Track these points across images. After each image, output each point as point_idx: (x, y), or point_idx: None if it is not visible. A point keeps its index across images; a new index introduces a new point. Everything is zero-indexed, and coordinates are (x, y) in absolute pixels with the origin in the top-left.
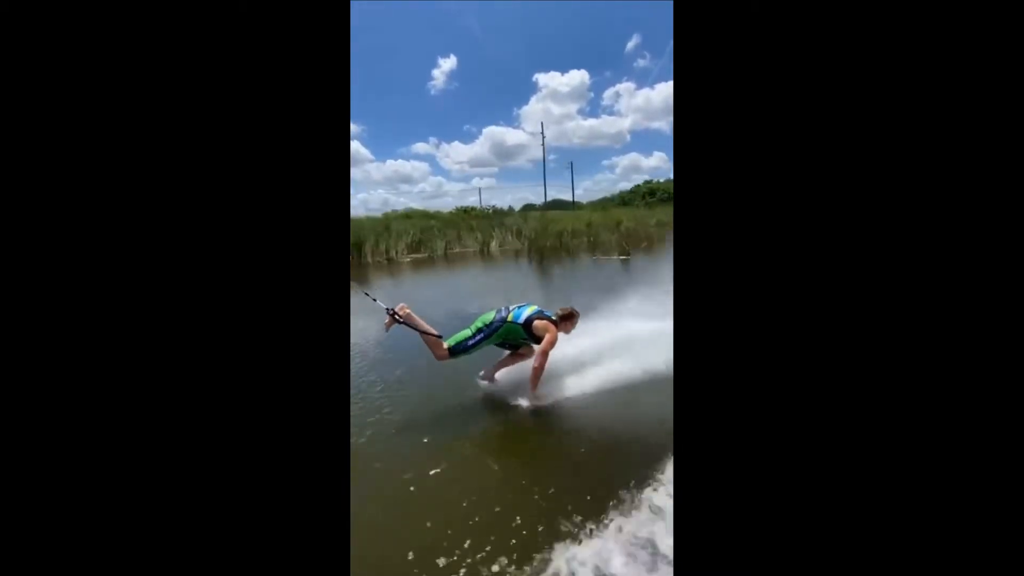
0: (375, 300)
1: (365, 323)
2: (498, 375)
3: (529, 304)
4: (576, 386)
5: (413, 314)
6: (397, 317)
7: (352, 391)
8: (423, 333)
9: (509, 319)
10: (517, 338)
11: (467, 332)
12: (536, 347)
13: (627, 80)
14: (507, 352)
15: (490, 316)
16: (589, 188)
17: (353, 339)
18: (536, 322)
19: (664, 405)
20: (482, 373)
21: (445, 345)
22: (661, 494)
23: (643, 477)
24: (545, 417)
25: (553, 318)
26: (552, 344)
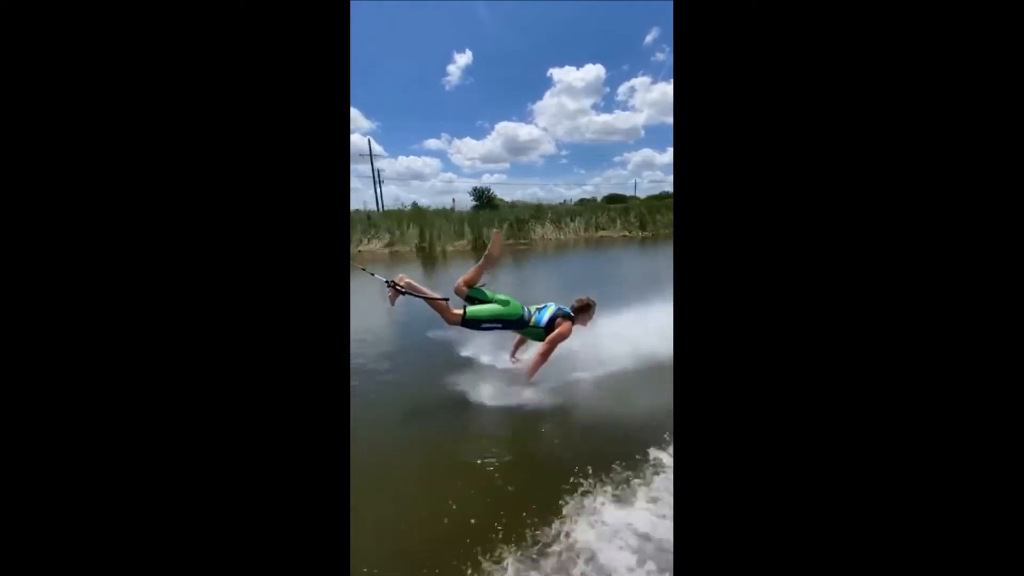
0: (373, 275)
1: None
2: (519, 355)
3: (548, 306)
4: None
5: (413, 282)
6: (399, 288)
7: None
8: (429, 299)
9: (532, 323)
10: (536, 338)
11: (488, 312)
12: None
13: (643, 74)
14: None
15: (516, 311)
16: (600, 184)
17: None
18: (556, 320)
19: (657, 393)
20: (512, 359)
21: (459, 312)
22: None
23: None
24: (540, 406)
25: (571, 313)
26: (563, 337)
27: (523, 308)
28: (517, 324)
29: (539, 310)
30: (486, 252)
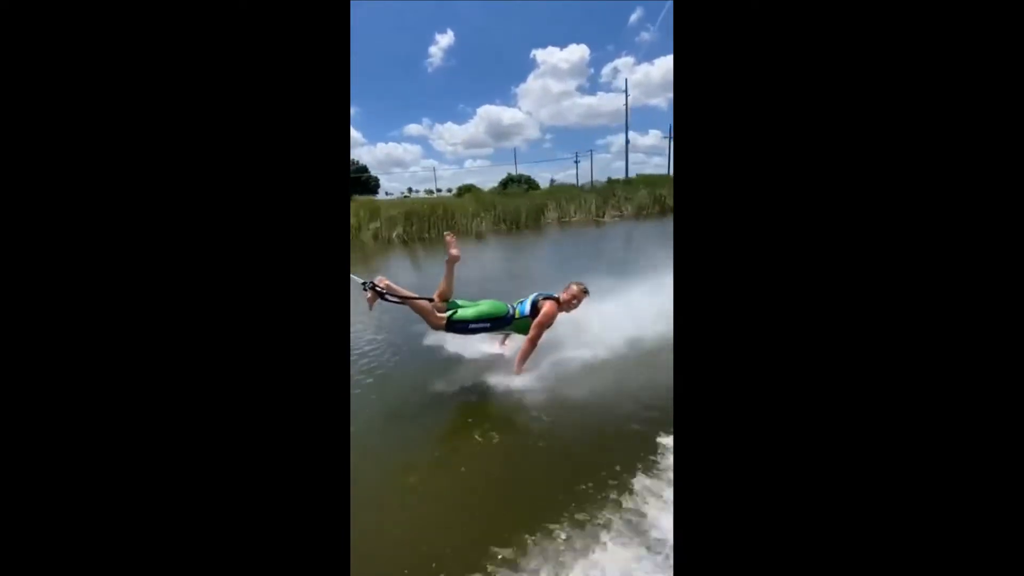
0: (350, 275)
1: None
2: (508, 341)
3: (529, 296)
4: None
5: (393, 284)
6: (379, 290)
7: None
8: (411, 301)
9: (516, 316)
10: (525, 329)
11: (471, 313)
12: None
13: (627, 54)
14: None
15: (501, 309)
16: (584, 168)
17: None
18: (540, 303)
19: (654, 380)
20: (501, 344)
21: (443, 315)
22: (661, 483)
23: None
24: (528, 399)
25: (556, 296)
26: (549, 318)
27: (507, 306)
28: (504, 322)
29: (520, 303)
30: (447, 258)
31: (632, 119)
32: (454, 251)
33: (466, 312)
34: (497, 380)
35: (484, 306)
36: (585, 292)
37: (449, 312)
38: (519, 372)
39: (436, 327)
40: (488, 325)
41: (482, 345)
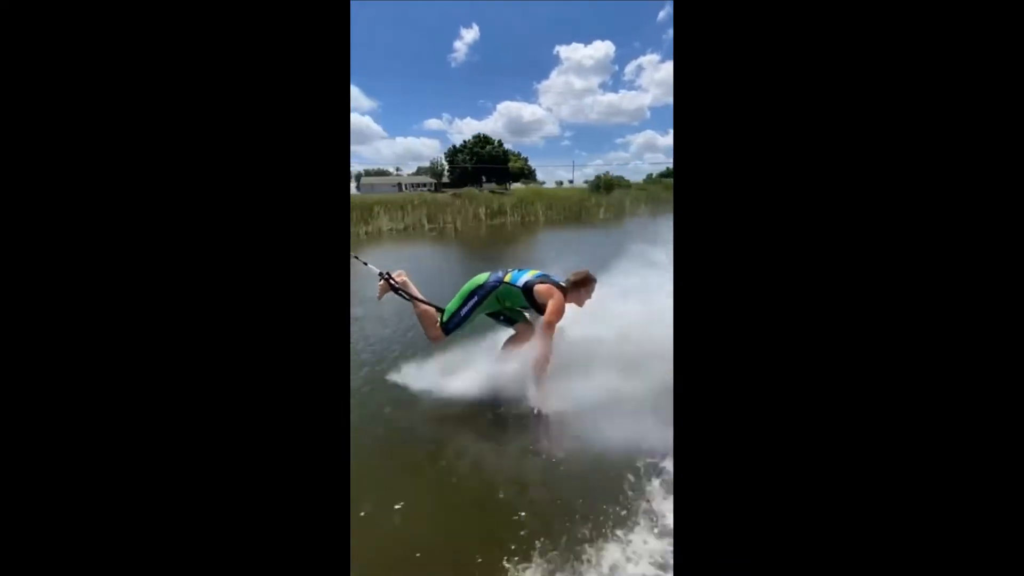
0: (366, 264)
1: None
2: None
3: (529, 268)
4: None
5: (410, 282)
6: (393, 282)
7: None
8: (420, 304)
9: (507, 280)
10: (516, 305)
11: (456, 301)
12: (539, 323)
13: (652, 52)
14: (508, 332)
15: (482, 278)
16: (599, 168)
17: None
18: (538, 287)
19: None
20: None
21: (438, 323)
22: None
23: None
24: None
25: (560, 283)
26: (557, 314)
27: (485, 275)
28: (492, 287)
29: (516, 270)
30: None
31: (653, 118)
32: (397, 277)
33: (450, 304)
34: (506, 393)
35: (461, 290)
36: (593, 281)
37: (439, 318)
38: (539, 385)
39: (436, 339)
40: (476, 300)
41: (487, 353)
